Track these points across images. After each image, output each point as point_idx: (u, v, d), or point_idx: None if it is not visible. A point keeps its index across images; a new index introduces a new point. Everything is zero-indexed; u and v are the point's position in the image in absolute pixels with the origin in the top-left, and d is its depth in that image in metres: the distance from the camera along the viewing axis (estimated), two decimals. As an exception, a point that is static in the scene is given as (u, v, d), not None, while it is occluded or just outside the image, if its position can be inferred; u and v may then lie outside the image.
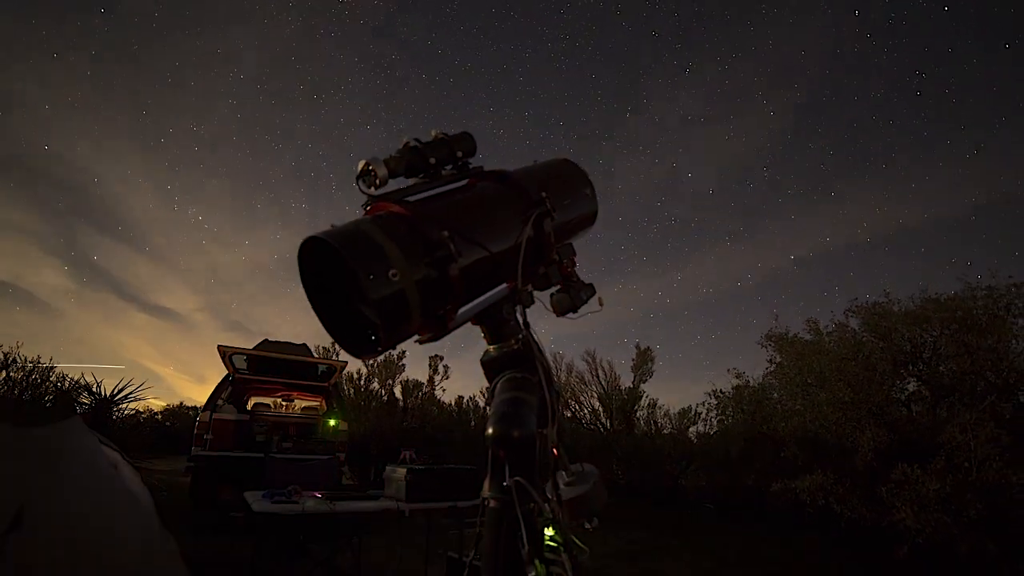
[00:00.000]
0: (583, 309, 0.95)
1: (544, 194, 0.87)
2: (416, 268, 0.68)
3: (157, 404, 21.38)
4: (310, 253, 0.70)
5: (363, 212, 0.76)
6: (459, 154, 0.85)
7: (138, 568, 3.03)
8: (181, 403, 22.48)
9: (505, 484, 0.69)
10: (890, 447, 6.66)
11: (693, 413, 12.34)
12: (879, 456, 6.63)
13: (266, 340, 8.26)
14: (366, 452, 10.82)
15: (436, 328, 0.76)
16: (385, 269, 0.64)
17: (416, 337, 0.76)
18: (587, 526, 0.81)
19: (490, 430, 0.71)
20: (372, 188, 0.74)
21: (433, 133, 0.85)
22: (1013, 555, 5.25)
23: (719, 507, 8.76)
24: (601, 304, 0.98)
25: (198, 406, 19.49)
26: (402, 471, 3.52)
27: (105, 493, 3.15)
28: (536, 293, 0.92)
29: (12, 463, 2.83)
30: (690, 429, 12.45)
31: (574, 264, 0.97)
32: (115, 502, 3.23)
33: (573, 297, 0.93)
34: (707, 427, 11.98)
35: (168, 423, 18.96)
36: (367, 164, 0.73)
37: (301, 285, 0.73)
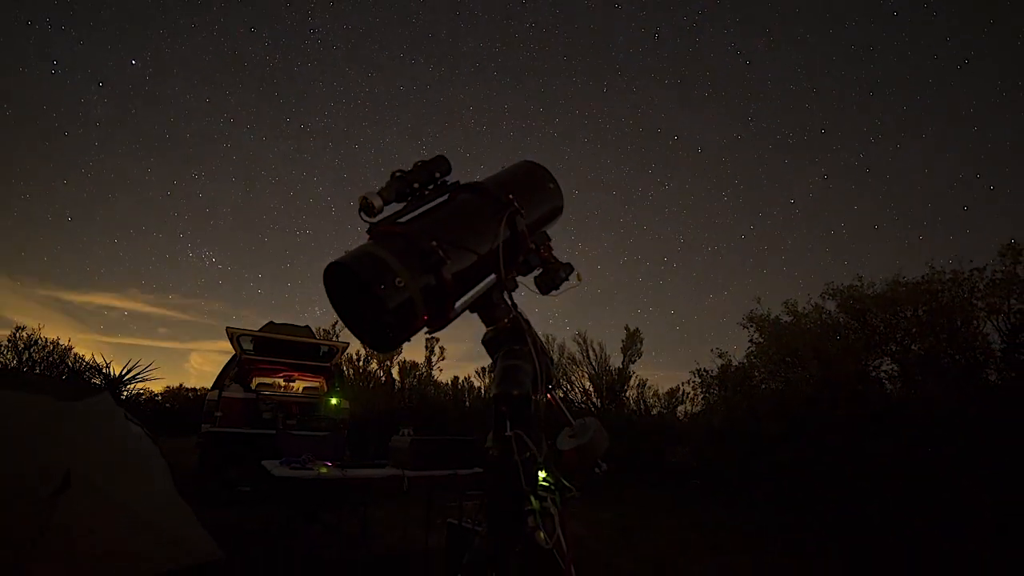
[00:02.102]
0: (564, 286, 1.07)
1: (511, 196, 0.99)
2: (415, 274, 0.80)
3: (157, 386, 21.64)
4: (332, 275, 0.85)
5: (367, 237, 0.89)
6: (437, 175, 0.98)
7: (165, 524, 3.34)
8: (181, 385, 22.66)
9: (506, 435, 0.80)
10: (863, 423, 7.06)
11: (681, 393, 12.71)
12: (854, 431, 7.03)
13: (271, 322, 8.42)
14: (364, 431, 11.16)
15: (439, 320, 0.89)
16: (392, 278, 0.77)
17: (425, 329, 0.88)
18: (596, 470, 0.90)
19: (493, 390, 0.85)
20: (372, 216, 0.87)
21: (414, 162, 0.98)
22: (966, 519, 5.68)
23: (705, 485, 9.09)
24: (580, 279, 1.08)
25: (198, 388, 19.75)
26: (407, 439, 3.78)
27: (140, 458, 3.46)
28: (520, 278, 1.03)
29: (57, 431, 3.13)
30: (678, 408, 12.84)
31: (550, 249, 1.07)
32: (146, 467, 3.55)
33: (553, 277, 1.05)
34: (693, 406, 12.38)
35: (168, 404, 19.21)
36: (365, 198, 0.85)
37: (330, 303, 0.89)
